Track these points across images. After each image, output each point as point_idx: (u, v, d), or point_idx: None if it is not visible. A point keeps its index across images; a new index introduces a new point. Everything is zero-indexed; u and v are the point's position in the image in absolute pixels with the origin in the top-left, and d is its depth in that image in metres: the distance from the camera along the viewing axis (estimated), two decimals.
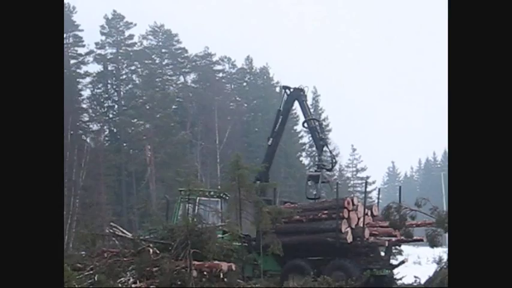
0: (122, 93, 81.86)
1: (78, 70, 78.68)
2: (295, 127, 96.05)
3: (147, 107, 77.46)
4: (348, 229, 26.00)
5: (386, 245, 26.73)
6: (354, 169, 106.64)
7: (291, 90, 32.30)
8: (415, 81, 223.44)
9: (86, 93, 79.79)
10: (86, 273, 23.05)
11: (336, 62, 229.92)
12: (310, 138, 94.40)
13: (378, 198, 32.54)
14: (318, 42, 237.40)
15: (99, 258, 24.71)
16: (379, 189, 40.77)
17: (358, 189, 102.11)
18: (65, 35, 79.14)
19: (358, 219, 26.54)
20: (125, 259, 23.97)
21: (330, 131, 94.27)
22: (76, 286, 21.13)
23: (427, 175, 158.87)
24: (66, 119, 62.72)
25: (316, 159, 30.95)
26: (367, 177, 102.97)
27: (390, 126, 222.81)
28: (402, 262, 27.48)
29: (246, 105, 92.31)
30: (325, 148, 31.95)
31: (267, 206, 25.95)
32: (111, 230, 27.49)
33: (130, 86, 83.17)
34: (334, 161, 31.40)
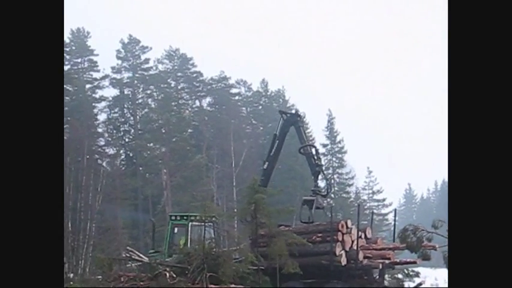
0: (138, 117, 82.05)
1: (93, 94, 79.13)
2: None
3: (163, 131, 77.65)
4: (342, 252, 26.37)
5: (380, 267, 26.94)
6: (370, 191, 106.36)
7: (288, 115, 32.76)
8: (431, 104, 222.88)
9: (102, 117, 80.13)
10: None
11: (352, 84, 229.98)
12: (326, 161, 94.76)
13: (372, 220, 33.04)
14: (334, 64, 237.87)
15: (115, 282, 24.85)
16: (372, 212, 41.12)
17: (375, 211, 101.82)
18: (79, 60, 79.94)
19: (352, 242, 26.77)
20: (141, 283, 24.10)
21: (345, 153, 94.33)
22: None
23: (443, 197, 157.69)
24: (82, 144, 63.14)
25: (313, 184, 31.11)
26: (382, 198, 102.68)
27: (407, 148, 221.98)
28: (420, 284, 27.56)
29: (261, 128, 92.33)
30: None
31: (281, 230, 26.14)
32: (128, 254, 27.63)
33: (146, 110, 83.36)
34: (329, 187, 31.72)
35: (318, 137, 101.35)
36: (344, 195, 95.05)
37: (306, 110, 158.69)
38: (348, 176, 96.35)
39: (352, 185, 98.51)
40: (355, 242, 26.85)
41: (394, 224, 31.19)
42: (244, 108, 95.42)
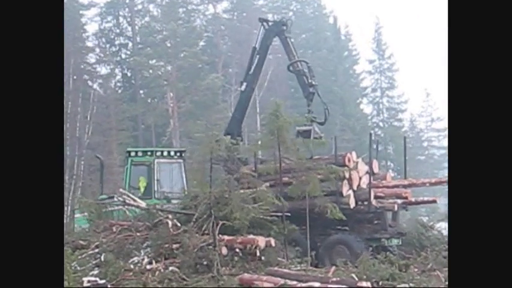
0: (136, 27, 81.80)
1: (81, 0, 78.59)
2: (354, 67, 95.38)
3: (168, 45, 77.22)
4: (350, 191, 26.26)
5: (396, 209, 26.98)
6: (429, 118, 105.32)
7: (270, 24, 32.51)
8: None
9: (92, 28, 79.94)
10: (90, 252, 23.25)
11: None
12: (373, 81, 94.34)
13: (377, 150, 32.74)
14: None
15: (106, 233, 24.91)
16: (377, 140, 40.64)
17: (434, 143, 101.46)
18: None
19: (360, 179, 26.85)
20: (138, 234, 24.12)
21: (396, 70, 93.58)
22: (78, 268, 21.27)
23: None
24: (67, 61, 62.91)
25: (307, 110, 30.67)
26: (444, 127, 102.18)
27: None
28: None
29: (292, 40, 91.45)
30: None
31: (312, 164, 26.02)
32: (120, 198, 27.57)
33: (147, 18, 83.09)
34: (327, 112, 31.08)
35: (363, 51, 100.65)
36: (395, 123, 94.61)
37: (348, 17, 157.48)
38: (400, 100, 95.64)
39: (405, 110, 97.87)
40: (363, 180, 27.06)
41: (405, 156, 31.32)
42: (270, 16, 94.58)
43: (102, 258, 22.28)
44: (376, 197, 26.90)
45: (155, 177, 30.40)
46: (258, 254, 22.12)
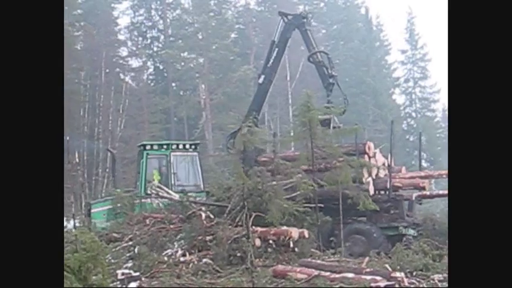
0: (168, 20, 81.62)
1: None
2: (386, 57, 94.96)
3: (200, 37, 76.95)
4: (370, 179, 26.31)
5: (413, 198, 27.46)
6: None
7: (290, 17, 32.30)
8: None
9: (124, 21, 79.87)
10: (124, 244, 23.30)
11: None
12: (405, 71, 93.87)
13: (391, 144, 32.52)
14: None
15: (140, 225, 24.95)
16: (391, 131, 40.42)
17: None
18: None
19: (378, 168, 27.26)
20: (171, 226, 24.17)
21: (429, 61, 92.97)
22: (112, 261, 21.35)
23: None
24: (100, 54, 63.09)
25: (327, 100, 30.75)
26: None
27: None
28: None
29: (324, 31, 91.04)
30: None
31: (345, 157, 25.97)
32: (154, 191, 27.60)
33: (178, 11, 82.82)
34: (346, 102, 31.14)
35: (396, 41, 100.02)
36: (428, 113, 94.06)
37: (379, 7, 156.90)
38: (433, 90, 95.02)
39: (438, 100, 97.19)
40: (381, 170, 27.48)
41: (420, 149, 31.28)
42: (301, 7, 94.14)
43: (136, 251, 22.34)
44: (394, 187, 26.97)
45: (172, 171, 30.37)
46: (291, 245, 22.12)
